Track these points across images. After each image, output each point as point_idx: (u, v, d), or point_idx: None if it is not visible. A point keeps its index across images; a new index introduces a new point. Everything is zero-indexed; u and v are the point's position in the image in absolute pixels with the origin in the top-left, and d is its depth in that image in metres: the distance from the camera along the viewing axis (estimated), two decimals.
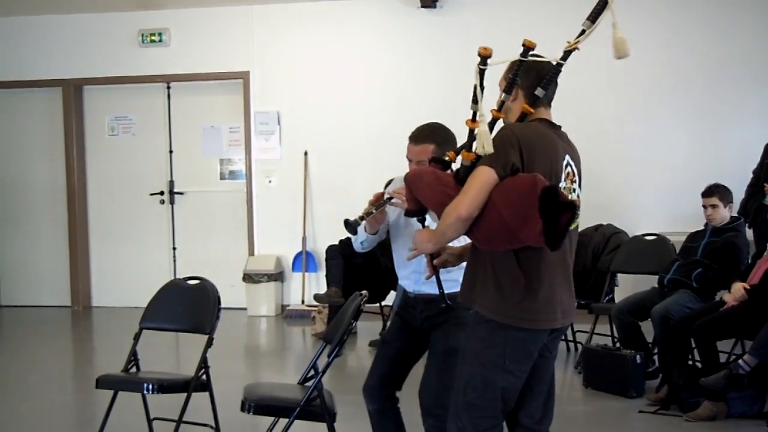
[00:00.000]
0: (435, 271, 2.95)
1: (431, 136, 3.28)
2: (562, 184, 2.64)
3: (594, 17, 2.59)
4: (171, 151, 8.81)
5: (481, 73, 2.62)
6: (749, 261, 5.24)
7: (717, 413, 4.63)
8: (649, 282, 5.74)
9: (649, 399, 4.99)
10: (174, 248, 8.86)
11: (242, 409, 3.36)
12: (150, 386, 3.77)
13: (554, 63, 2.67)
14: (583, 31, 2.61)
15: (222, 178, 8.79)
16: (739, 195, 5.96)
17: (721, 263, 5.18)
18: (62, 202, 8.90)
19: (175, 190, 8.82)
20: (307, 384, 3.55)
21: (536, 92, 2.69)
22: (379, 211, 3.28)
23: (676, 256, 5.56)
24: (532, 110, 2.71)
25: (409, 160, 3.34)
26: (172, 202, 8.83)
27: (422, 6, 8.01)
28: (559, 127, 2.78)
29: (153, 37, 8.56)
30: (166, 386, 3.84)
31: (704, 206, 5.38)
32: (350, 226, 3.21)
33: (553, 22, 7.81)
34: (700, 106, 7.77)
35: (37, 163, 9.02)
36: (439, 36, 8.05)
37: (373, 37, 8.29)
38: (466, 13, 7.99)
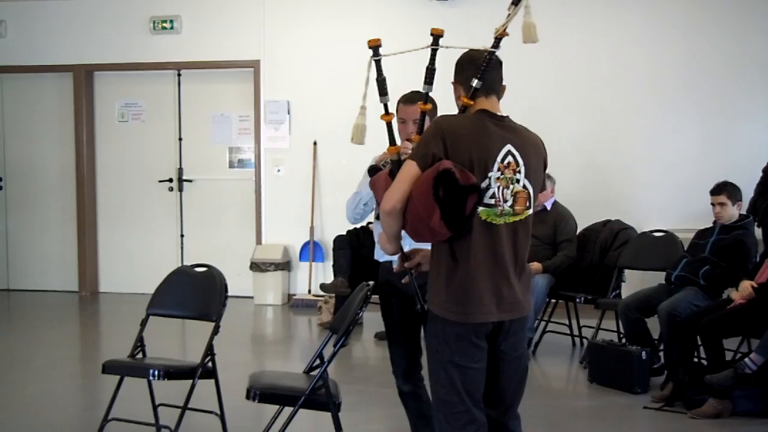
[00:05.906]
0: (405, 270, 2.85)
1: (424, 97, 3.31)
2: (494, 174, 2.60)
3: (516, 0, 2.68)
4: (180, 139, 8.82)
5: (377, 64, 2.73)
6: (757, 259, 5.22)
7: (722, 411, 4.62)
8: (657, 278, 5.72)
9: (654, 395, 4.99)
10: (182, 235, 8.88)
11: (247, 397, 3.38)
12: (156, 372, 3.78)
13: (486, 51, 2.73)
14: (508, 15, 2.70)
15: (231, 166, 8.80)
16: (748, 193, 5.92)
17: (729, 261, 5.16)
18: (71, 187, 8.93)
19: (184, 177, 8.83)
20: (313, 373, 3.57)
21: (473, 84, 2.71)
22: None
23: (684, 253, 5.55)
24: (471, 102, 2.73)
25: (402, 121, 3.50)
26: (180, 190, 8.85)
27: None
28: (503, 117, 2.73)
29: (164, 24, 8.56)
30: (172, 372, 3.86)
31: (713, 204, 5.35)
32: (376, 171, 3.14)
33: (566, 13, 7.82)
34: (709, 104, 7.73)
35: (47, 148, 9.04)
36: (451, 28, 7.91)
37: (384, 28, 8.23)
38: (479, 4, 7.93)
